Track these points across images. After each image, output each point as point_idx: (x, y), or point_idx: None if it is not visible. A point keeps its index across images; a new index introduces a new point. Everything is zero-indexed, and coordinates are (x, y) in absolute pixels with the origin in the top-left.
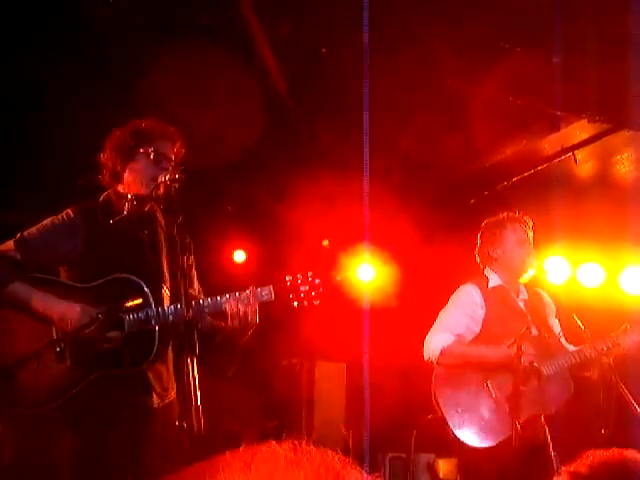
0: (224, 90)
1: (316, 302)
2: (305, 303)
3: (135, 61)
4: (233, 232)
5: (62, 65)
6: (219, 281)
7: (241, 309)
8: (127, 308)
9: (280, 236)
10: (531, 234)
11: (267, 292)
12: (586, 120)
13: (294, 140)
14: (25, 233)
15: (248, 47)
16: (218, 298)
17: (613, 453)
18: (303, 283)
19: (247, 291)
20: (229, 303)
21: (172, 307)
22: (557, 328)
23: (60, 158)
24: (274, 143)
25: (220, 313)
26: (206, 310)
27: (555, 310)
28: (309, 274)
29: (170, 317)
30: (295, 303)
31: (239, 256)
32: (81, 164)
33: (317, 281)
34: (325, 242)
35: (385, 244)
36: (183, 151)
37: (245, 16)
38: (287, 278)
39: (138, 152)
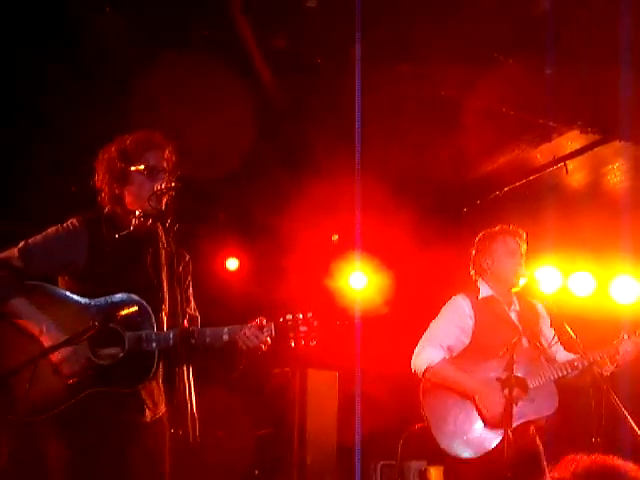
0: (219, 100)
1: (312, 343)
2: (302, 342)
3: (131, 70)
4: (226, 240)
5: (60, 75)
6: (212, 289)
7: (253, 342)
8: (122, 317)
9: (273, 244)
10: (524, 246)
11: (268, 330)
12: (578, 131)
13: (287, 149)
14: (30, 241)
15: (243, 58)
16: (220, 329)
17: (596, 459)
18: (303, 324)
19: (250, 325)
20: (240, 335)
21: (173, 332)
22: (554, 339)
23: (58, 166)
24: (268, 152)
25: (220, 341)
26: (207, 340)
27: (549, 320)
28: (309, 315)
29: (171, 341)
30: (292, 343)
31: (232, 264)
32: (79, 172)
33: (316, 323)
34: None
35: (377, 252)
36: (173, 156)
37: (240, 28)
38: (287, 317)
39: (130, 172)
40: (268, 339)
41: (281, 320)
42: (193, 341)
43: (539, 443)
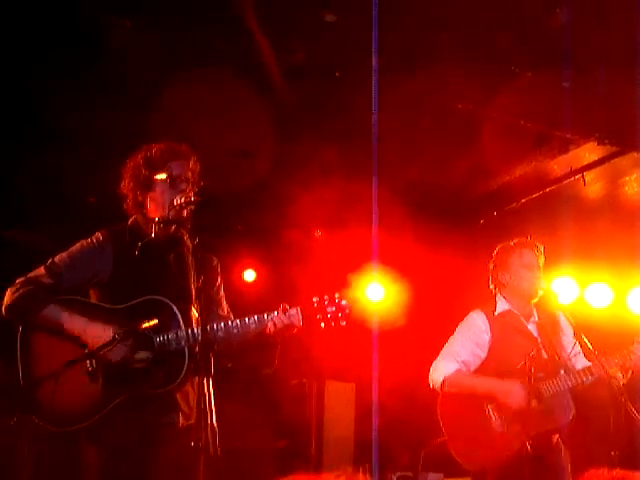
0: (236, 113)
1: (343, 323)
2: (332, 324)
3: (149, 84)
4: (243, 252)
5: (77, 88)
6: (229, 300)
7: (277, 327)
8: (149, 327)
9: (290, 256)
10: (542, 259)
11: (294, 313)
12: (595, 142)
13: (303, 160)
14: (56, 258)
15: (261, 72)
16: (246, 320)
17: (617, 474)
18: (330, 304)
19: (276, 311)
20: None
21: (200, 329)
22: (575, 348)
23: (66, 176)
24: (284, 163)
25: (249, 331)
26: (235, 331)
27: (572, 330)
28: (336, 295)
29: (199, 338)
30: (322, 324)
31: (249, 275)
32: (88, 182)
33: (344, 302)
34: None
35: (394, 264)
36: (198, 167)
37: (258, 42)
38: (314, 299)
39: (154, 180)
40: (296, 322)
41: (308, 303)
42: (221, 334)
43: (565, 456)
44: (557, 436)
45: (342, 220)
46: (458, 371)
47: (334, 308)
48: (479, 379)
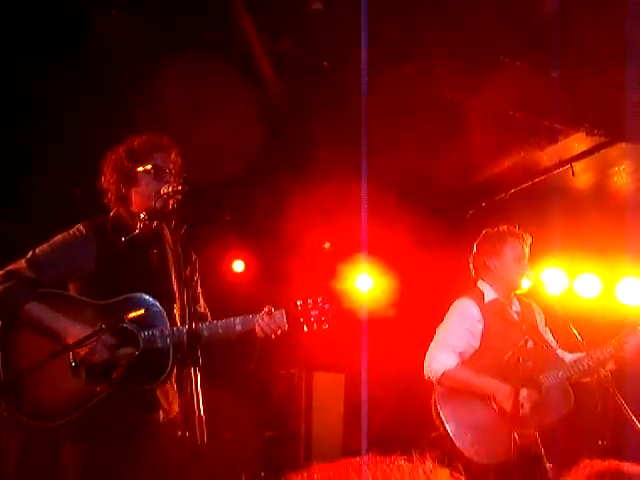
0: (224, 103)
1: (325, 326)
2: (315, 327)
3: (136, 74)
4: (232, 242)
5: (63, 77)
6: (219, 290)
7: (262, 329)
8: (131, 320)
9: (279, 246)
10: (527, 250)
11: (279, 315)
12: (584, 133)
13: (293, 152)
14: (37, 250)
15: (249, 62)
16: (231, 320)
17: (610, 465)
18: (313, 308)
19: (261, 313)
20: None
21: (185, 327)
22: (549, 337)
23: (60, 169)
24: (273, 154)
25: (233, 332)
26: (220, 331)
27: (544, 319)
28: (319, 299)
29: (184, 336)
30: (305, 327)
31: (238, 266)
32: (81, 176)
33: (327, 306)
34: (326, 245)
35: (383, 254)
36: (179, 159)
37: (245, 30)
38: (298, 303)
39: (138, 172)
40: (281, 325)
41: (292, 306)
42: (206, 333)
43: (540, 445)
44: None
45: (331, 210)
46: (459, 365)
47: (317, 312)
48: (481, 377)
